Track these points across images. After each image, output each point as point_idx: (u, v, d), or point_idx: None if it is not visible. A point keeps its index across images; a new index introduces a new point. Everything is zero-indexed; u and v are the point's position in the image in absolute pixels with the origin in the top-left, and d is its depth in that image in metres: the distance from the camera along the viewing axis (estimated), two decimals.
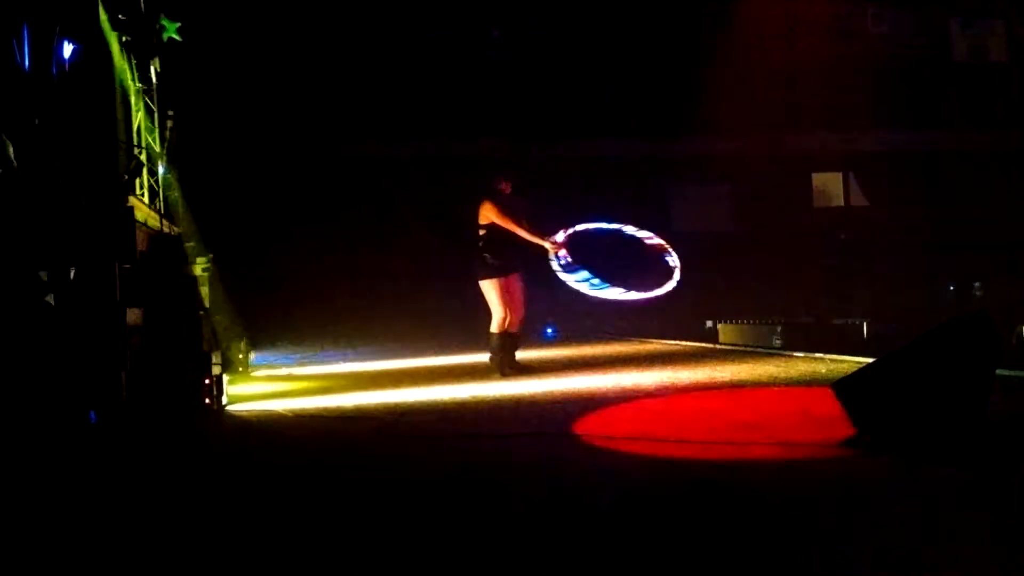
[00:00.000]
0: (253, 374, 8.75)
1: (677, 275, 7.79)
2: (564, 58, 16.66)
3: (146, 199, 8.15)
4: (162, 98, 9.18)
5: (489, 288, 7.69)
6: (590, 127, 16.61)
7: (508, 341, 7.78)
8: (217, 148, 13.45)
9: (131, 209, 5.98)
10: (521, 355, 8.07)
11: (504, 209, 7.68)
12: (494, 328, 7.74)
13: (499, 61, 16.55)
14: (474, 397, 6.53)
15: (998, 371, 4.46)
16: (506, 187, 7.81)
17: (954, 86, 17.87)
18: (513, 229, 7.63)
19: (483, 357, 8.28)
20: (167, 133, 8.91)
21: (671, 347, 10.16)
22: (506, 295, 7.69)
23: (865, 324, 9.98)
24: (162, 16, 8.30)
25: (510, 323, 7.74)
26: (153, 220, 7.47)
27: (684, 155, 17.13)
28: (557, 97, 16.29)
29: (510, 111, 16.09)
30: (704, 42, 16.11)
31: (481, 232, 7.73)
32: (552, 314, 12.37)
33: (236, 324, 9.01)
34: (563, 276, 7.77)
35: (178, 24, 8.55)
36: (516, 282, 7.79)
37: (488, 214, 7.68)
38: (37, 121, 5.69)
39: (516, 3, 16.41)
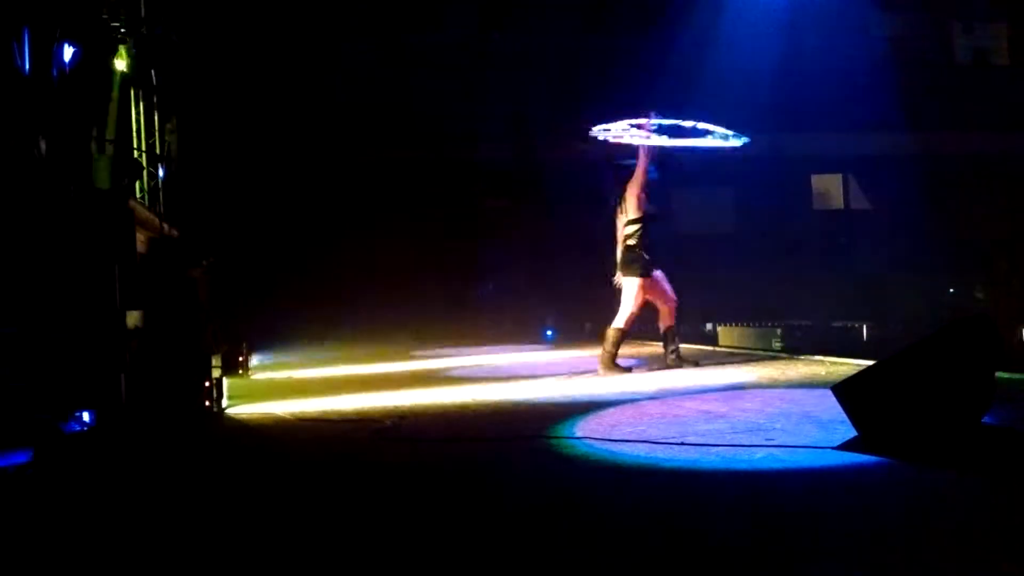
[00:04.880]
0: (253, 377, 8.75)
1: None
2: (564, 59, 16.64)
3: (146, 201, 8.16)
4: (163, 100, 9.19)
5: (635, 286, 7.54)
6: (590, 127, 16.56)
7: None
8: (217, 150, 13.46)
9: (131, 212, 5.98)
10: (521, 358, 8.07)
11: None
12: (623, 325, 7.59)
13: (498, 63, 16.53)
14: (475, 400, 6.52)
15: (999, 374, 4.46)
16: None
17: (955, 88, 17.85)
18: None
19: (482, 359, 8.27)
20: (168, 136, 8.92)
21: None
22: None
23: (865, 326, 10.00)
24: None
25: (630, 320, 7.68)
26: (153, 222, 7.47)
27: (685, 157, 17.08)
28: (557, 98, 16.27)
29: (509, 113, 16.07)
30: (704, 42, 16.09)
31: (637, 227, 7.47)
32: (551, 316, 12.37)
33: (236, 326, 9.02)
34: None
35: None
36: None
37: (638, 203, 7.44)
38: (41, 123, 5.70)
39: (516, 4, 16.40)
